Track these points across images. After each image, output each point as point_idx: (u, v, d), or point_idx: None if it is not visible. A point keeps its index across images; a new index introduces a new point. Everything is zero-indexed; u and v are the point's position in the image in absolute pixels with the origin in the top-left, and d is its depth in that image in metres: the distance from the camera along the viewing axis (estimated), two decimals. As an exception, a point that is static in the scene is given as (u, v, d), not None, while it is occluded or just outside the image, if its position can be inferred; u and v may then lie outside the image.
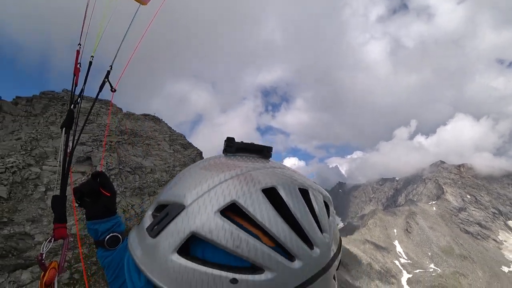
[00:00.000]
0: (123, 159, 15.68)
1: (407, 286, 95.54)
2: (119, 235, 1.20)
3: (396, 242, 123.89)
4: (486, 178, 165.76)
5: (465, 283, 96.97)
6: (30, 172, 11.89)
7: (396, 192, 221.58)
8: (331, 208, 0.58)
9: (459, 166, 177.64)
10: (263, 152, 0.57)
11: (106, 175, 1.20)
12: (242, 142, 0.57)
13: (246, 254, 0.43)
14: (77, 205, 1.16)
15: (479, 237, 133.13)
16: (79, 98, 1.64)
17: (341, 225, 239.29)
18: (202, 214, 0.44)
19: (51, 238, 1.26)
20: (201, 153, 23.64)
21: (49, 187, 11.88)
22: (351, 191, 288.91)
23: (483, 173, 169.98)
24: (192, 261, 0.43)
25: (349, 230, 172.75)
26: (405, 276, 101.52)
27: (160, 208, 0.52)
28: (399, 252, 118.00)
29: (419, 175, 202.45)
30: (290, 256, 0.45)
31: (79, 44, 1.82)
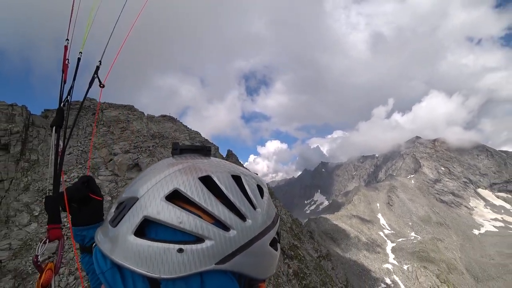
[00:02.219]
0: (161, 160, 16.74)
1: (391, 254, 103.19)
2: None
3: (379, 215, 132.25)
4: (457, 151, 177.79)
5: (442, 246, 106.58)
6: (93, 183, 12.82)
7: (377, 168, 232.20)
8: (265, 190, 0.69)
9: (434, 140, 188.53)
10: (203, 150, 0.71)
11: (94, 180, 1.20)
12: (184, 144, 0.73)
13: (188, 227, 0.53)
14: (64, 212, 1.15)
15: (452, 205, 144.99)
16: (69, 96, 1.62)
17: (326, 203, 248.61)
18: (151, 202, 0.56)
19: (46, 239, 1.22)
20: (217, 148, 25.01)
21: (112, 195, 12.94)
22: (334, 170, 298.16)
23: (455, 146, 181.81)
24: (146, 239, 0.54)
25: (335, 207, 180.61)
26: (389, 245, 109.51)
27: (119, 205, 0.62)
28: (383, 224, 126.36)
29: (397, 151, 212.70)
30: (225, 228, 0.56)
31: (67, 39, 1.77)
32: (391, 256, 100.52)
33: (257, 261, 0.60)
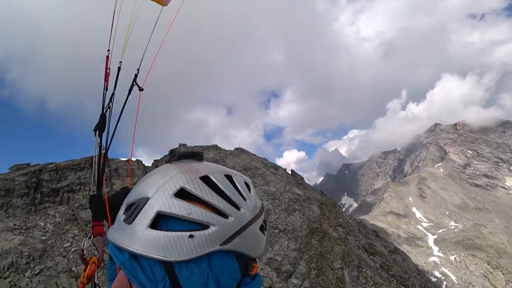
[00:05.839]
0: (260, 189, 20.89)
1: (435, 246, 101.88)
2: None
3: (414, 209, 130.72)
4: (481, 131, 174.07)
5: (486, 232, 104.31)
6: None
7: (401, 162, 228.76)
8: (251, 186, 0.85)
9: (455, 124, 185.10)
10: (197, 156, 0.85)
11: None
12: (181, 151, 0.86)
13: (196, 217, 0.66)
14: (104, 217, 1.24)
15: (488, 187, 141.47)
16: (110, 103, 1.80)
17: (355, 205, 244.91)
18: (162, 199, 0.68)
19: (90, 235, 1.37)
20: (285, 169, 29.08)
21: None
22: (357, 170, 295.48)
23: (477, 126, 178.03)
24: (160, 230, 0.66)
25: (365, 207, 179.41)
26: (430, 238, 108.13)
27: (129, 207, 0.73)
28: (419, 217, 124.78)
29: (419, 142, 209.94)
30: (225, 216, 0.70)
31: (108, 50, 2.01)
32: (435, 249, 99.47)
33: (251, 242, 0.74)
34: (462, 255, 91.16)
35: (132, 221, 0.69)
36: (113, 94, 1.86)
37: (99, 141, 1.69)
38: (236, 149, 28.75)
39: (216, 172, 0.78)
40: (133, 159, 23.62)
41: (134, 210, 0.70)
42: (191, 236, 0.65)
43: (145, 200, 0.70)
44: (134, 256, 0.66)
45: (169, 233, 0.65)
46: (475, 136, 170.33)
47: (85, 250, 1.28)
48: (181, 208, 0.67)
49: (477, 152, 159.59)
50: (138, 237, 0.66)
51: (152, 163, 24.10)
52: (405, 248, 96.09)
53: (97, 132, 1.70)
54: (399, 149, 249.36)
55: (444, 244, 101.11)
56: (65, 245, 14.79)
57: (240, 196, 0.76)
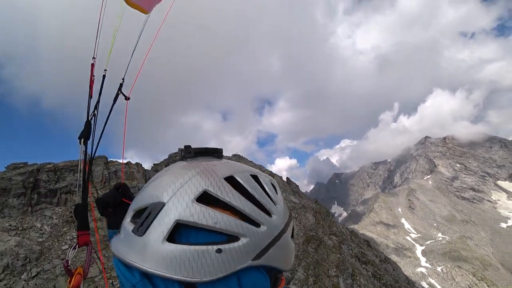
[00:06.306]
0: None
1: (422, 257, 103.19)
2: None
3: (403, 220, 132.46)
4: (469, 145, 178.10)
5: (472, 244, 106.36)
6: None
7: (391, 173, 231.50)
8: (277, 188, 0.74)
9: (444, 138, 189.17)
10: (216, 153, 0.74)
11: (128, 187, 1.24)
12: (197, 147, 0.73)
13: (224, 227, 0.54)
14: (99, 215, 1.19)
15: (475, 201, 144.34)
16: (95, 110, 1.73)
17: (345, 214, 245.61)
18: (181, 205, 0.55)
19: (75, 245, 1.31)
20: (281, 177, 29.44)
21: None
22: (347, 180, 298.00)
23: (466, 140, 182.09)
24: (181, 244, 0.53)
25: (355, 217, 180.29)
26: (418, 249, 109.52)
27: (138, 213, 0.60)
28: (408, 228, 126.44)
29: (409, 154, 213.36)
30: (256, 224, 0.58)
31: (94, 57, 1.94)
32: (423, 260, 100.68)
33: (284, 253, 0.64)
34: (449, 266, 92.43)
35: (144, 232, 0.55)
36: (98, 102, 1.83)
37: (84, 149, 1.64)
38: (234, 155, 29.09)
39: (241, 171, 0.66)
40: (133, 162, 23.51)
41: (146, 218, 0.57)
42: (218, 251, 0.53)
43: (160, 205, 0.56)
44: (146, 275, 0.54)
45: (192, 247, 0.53)
46: (463, 150, 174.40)
47: (69, 261, 1.23)
48: (205, 215, 0.54)
49: (465, 166, 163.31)
50: (152, 253, 0.53)
51: (152, 167, 24.08)
52: (393, 258, 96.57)
53: (82, 140, 1.65)
54: (389, 160, 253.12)
55: (432, 255, 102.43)
56: (63, 247, 14.68)
57: (270, 200, 0.65)
